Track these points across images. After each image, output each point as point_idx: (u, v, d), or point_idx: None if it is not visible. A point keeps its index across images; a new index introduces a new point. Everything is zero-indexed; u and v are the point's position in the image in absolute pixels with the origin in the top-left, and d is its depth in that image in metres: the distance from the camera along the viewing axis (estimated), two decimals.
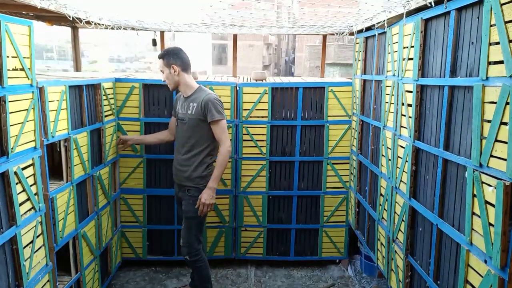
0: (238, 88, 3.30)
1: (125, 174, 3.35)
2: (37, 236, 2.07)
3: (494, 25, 1.45)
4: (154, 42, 4.05)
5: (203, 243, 2.86)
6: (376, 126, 2.85)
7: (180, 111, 2.73)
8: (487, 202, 1.50)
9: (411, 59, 2.19)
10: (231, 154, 2.62)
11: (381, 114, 2.72)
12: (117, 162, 3.31)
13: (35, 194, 2.04)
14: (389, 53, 2.54)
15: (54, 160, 2.70)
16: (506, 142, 1.38)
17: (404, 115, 2.30)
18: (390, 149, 2.55)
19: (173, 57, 2.63)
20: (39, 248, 2.09)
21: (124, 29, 3.69)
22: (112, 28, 3.61)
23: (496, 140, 1.44)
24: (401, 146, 2.36)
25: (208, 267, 2.85)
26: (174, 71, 2.64)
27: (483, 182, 1.52)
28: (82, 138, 2.61)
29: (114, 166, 3.27)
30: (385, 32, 2.61)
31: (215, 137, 2.66)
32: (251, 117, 3.33)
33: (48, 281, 2.19)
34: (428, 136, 2.08)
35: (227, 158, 2.62)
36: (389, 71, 2.55)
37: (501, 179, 1.41)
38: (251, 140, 3.38)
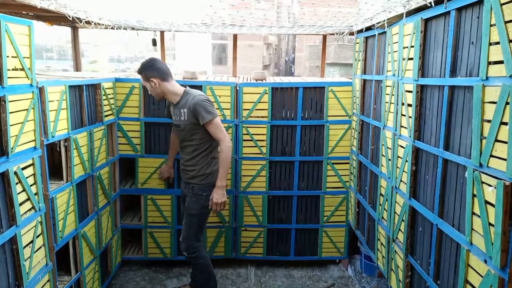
0: (238, 88, 3.30)
1: (146, 174, 3.36)
2: (37, 236, 2.07)
3: (494, 25, 1.45)
4: (154, 42, 4.05)
5: (202, 241, 2.86)
6: (376, 126, 2.85)
7: (174, 117, 2.74)
8: (487, 202, 1.50)
9: (411, 59, 2.19)
10: (231, 148, 2.63)
11: (381, 114, 2.72)
12: (117, 162, 3.31)
13: (35, 194, 2.04)
14: (389, 53, 2.54)
15: (54, 160, 2.70)
16: (506, 142, 1.38)
17: (404, 115, 2.30)
18: (390, 149, 2.55)
19: (149, 70, 2.61)
20: (39, 248, 2.09)
21: (124, 29, 3.69)
22: (112, 28, 3.61)
23: (496, 140, 1.44)
24: (401, 146, 2.36)
25: (209, 265, 2.85)
26: (155, 84, 2.62)
27: (483, 182, 1.52)
28: (82, 138, 2.61)
29: (114, 166, 3.27)
30: (385, 32, 2.61)
31: (213, 137, 2.66)
32: (251, 117, 3.33)
33: (48, 281, 2.19)
34: (428, 136, 2.08)
35: (229, 154, 2.61)
36: (389, 71, 2.55)
37: (501, 179, 1.41)
38: (251, 140, 3.38)
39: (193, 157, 2.70)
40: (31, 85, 1.99)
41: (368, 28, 2.96)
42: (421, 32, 2.08)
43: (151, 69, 2.61)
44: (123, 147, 3.32)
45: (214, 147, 2.74)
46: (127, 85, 3.23)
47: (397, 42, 2.40)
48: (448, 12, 1.83)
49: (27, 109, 1.95)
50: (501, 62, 1.42)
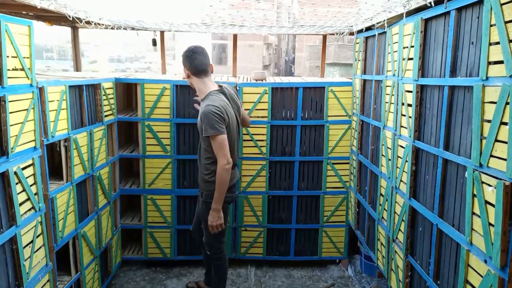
0: (238, 88, 3.30)
1: (153, 175, 3.36)
2: (37, 236, 2.07)
3: (494, 25, 1.45)
4: (154, 42, 4.05)
5: (223, 243, 2.77)
6: (376, 126, 2.85)
7: None
8: (487, 202, 1.50)
9: (411, 59, 2.19)
10: (229, 172, 2.42)
11: (381, 114, 2.72)
12: (117, 162, 3.31)
13: (35, 194, 2.04)
14: (389, 53, 2.54)
15: (54, 160, 2.70)
16: (506, 142, 1.38)
17: (404, 115, 2.30)
18: (390, 149, 2.55)
19: (184, 60, 2.53)
20: (39, 248, 2.09)
21: (124, 29, 3.69)
22: (112, 28, 3.61)
23: (496, 140, 1.44)
24: (401, 146, 2.36)
25: (226, 267, 2.82)
26: (186, 74, 2.55)
27: (483, 182, 1.52)
28: (82, 138, 2.61)
29: (114, 166, 3.27)
30: (385, 32, 2.61)
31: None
32: (251, 117, 3.33)
33: (48, 281, 2.19)
34: (428, 136, 2.08)
35: (224, 177, 2.41)
36: (389, 71, 2.55)
37: (501, 179, 1.41)
38: (251, 140, 3.38)
39: (202, 161, 2.58)
40: (31, 85, 1.99)
41: (368, 28, 2.96)
42: (421, 32, 2.08)
43: (186, 60, 2.51)
44: (151, 147, 3.32)
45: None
46: (158, 86, 3.23)
47: (397, 42, 2.40)
48: (448, 12, 1.83)
49: (27, 109, 1.95)
50: (501, 62, 1.42)
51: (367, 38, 3.06)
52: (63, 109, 2.37)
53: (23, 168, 1.93)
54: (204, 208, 2.61)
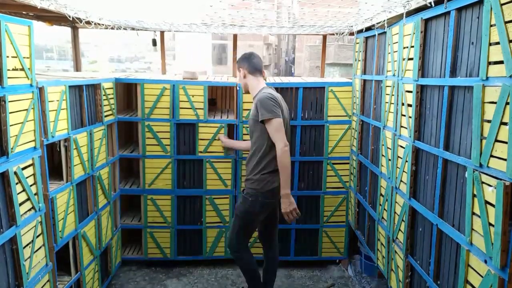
0: (238, 88, 3.30)
1: (153, 175, 3.36)
2: (37, 236, 2.07)
3: (494, 25, 1.45)
4: (154, 42, 4.05)
5: (244, 244, 2.79)
6: (376, 126, 2.85)
7: None
8: (487, 202, 1.50)
9: (411, 59, 2.19)
10: (288, 155, 2.46)
11: (381, 114, 2.72)
12: (117, 162, 3.31)
13: (35, 194, 2.04)
14: (389, 53, 2.54)
15: (54, 160, 2.70)
16: (506, 142, 1.38)
17: (404, 115, 2.30)
18: (390, 149, 2.55)
19: (242, 60, 2.75)
20: (39, 248, 2.09)
21: (124, 29, 3.69)
22: (112, 28, 3.61)
23: (496, 140, 1.44)
24: (401, 146, 2.36)
25: (251, 269, 2.80)
26: (242, 73, 2.73)
27: (483, 182, 1.52)
28: (82, 138, 2.61)
29: (114, 166, 3.27)
30: (385, 32, 2.61)
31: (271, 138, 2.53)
32: None
33: (48, 281, 2.19)
34: (428, 136, 2.08)
35: (286, 159, 2.45)
36: (389, 71, 2.55)
37: (501, 179, 1.41)
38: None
39: (250, 157, 2.67)
40: (31, 85, 1.99)
41: (368, 28, 2.96)
42: (421, 32, 2.08)
43: (244, 60, 2.73)
44: (151, 148, 3.33)
45: (268, 151, 2.56)
46: (158, 86, 3.23)
47: (397, 42, 2.40)
48: (448, 12, 1.83)
49: (27, 109, 1.95)
50: (501, 62, 1.42)
51: (367, 38, 3.06)
52: (63, 109, 2.37)
53: (23, 168, 1.93)
54: (241, 203, 2.68)
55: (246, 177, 2.69)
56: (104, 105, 2.96)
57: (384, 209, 2.68)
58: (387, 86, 2.60)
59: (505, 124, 1.39)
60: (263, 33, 3.98)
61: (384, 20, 2.53)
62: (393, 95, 2.48)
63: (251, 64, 2.72)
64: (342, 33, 3.58)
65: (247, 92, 2.80)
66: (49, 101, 2.21)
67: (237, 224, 2.71)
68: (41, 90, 2.13)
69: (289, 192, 2.49)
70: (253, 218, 2.68)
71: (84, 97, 2.65)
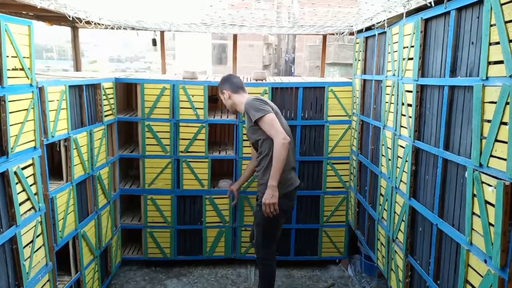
0: None
1: (153, 175, 3.36)
2: (37, 236, 2.07)
3: (494, 25, 1.44)
4: (154, 42, 4.05)
5: (274, 251, 2.80)
6: (376, 126, 2.85)
7: None
8: (487, 202, 1.50)
9: (411, 59, 2.19)
10: (286, 148, 2.45)
11: (381, 114, 2.72)
12: (117, 162, 3.31)
13: (35, 194, 2.04)
14: (389, 53, 2.54)
15: (54, 160, 2.70)
16: (506, 142, 1.38)
17: (404, 115, 2.30)
18: (390, 149, 2.55)
19: (223, 83, 2.82)
20: (39, 248, 2.09)
21: (124, 29, 3.69)
22: (112, 28, 3.61)
23: (496, 140, 1.44)
24: (401, 146, 2.36)
25: (271, 277, 2.80)
26: (226, 95, 2.78)
27: (483, 182, 1.52)
28: (82, 138, 2.61)
29: (114, 166, 3.27)
30: (385, 32, 2.61)
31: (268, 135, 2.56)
32: None
33: (48, 281, 2.19)
34: (428, 136, 2.08)
35: (282, 151, 2.44)
36: (389, 71, 2.55)
37: (501, 179, 1.41)
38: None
39: (257, 164, 2.69)
40: (31, 85, 1.99)
41: (368, 28, 2.96)
42: (421, 32, 2.08)
43: (225, 82, 2.81)
44: (151, 147, 3.33)
45: (270, 151, 2.57)
46: (158, 86, 3.23)
47: (397, 42, 2.40)
48: (448, 12, 1.83)
49: (27, 109, 1.95)
50: (501, 62, 1.42)
51: (367, 38, 3.05)
52: (63, 109, 2.37)
53: (23, 168, 1.93)
54: (258, 211, 2.66)
55: (258, 182, 2.71)
56: (104, 105, 2.96)
57: (384, 209, 2.68)
58: (387, 86, 2.60)
59: (505, 124, 1.39)
60: (263, 33, 3.98)
61: (384, 20, 2.53)
62: (393, 95, 2.48)
63: (232, 84, 2.79)
64: (342, 33, 3.58)
65: (235, 112, 2.89)
66: (49, 101, 2.21)
67: (260, 232, 2.71)
68: (41, 90, 2.13)
69: (275, 185, 2.48)
70: (273, 224, 2.68)
71: (84, 97, 2.65)
